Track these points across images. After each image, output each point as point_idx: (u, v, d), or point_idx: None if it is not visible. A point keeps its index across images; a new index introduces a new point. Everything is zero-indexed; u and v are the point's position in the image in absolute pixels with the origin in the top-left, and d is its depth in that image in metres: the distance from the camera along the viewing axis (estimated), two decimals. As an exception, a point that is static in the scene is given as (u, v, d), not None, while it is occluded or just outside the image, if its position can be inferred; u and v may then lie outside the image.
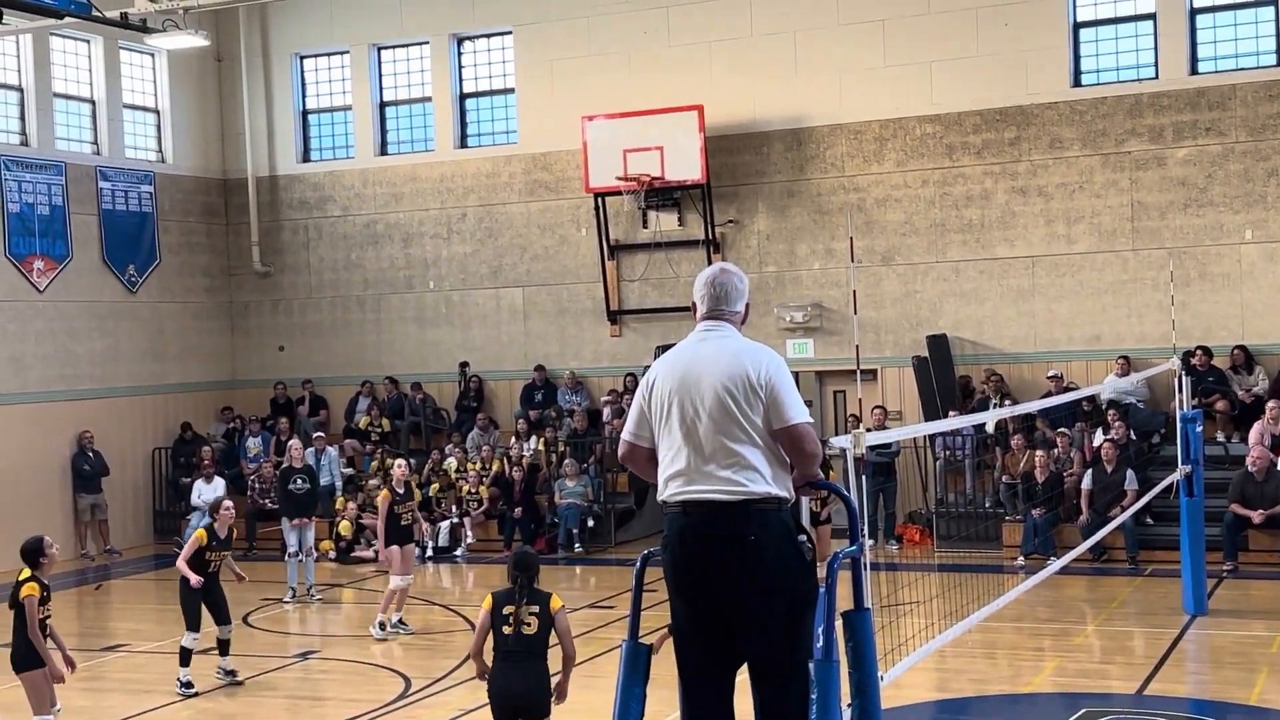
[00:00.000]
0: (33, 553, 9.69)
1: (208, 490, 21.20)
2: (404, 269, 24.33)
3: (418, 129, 24.51)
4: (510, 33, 23.49)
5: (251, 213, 24.98)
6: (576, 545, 20.39)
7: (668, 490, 5.27)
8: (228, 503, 13.08)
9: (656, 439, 5.34)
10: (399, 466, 15.44)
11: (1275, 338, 18.99)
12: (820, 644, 5.08)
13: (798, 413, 5.19)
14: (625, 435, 5.47)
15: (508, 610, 8.09)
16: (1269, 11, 19.34)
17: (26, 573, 9.60)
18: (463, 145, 24.11)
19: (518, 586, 8.17)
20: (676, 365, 5.33)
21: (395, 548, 14.62)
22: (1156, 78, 19.80)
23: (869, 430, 6.31)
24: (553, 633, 8.14)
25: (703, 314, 5.47)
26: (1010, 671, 12.37)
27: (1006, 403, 18.78)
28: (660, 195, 21.94)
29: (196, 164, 24.85)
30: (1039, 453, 18.37)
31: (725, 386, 5.17)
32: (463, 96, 24.15)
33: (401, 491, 14.96)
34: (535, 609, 8.11)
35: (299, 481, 17.59)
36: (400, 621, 14.80)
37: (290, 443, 18.95)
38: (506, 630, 8.05)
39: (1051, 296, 20.31)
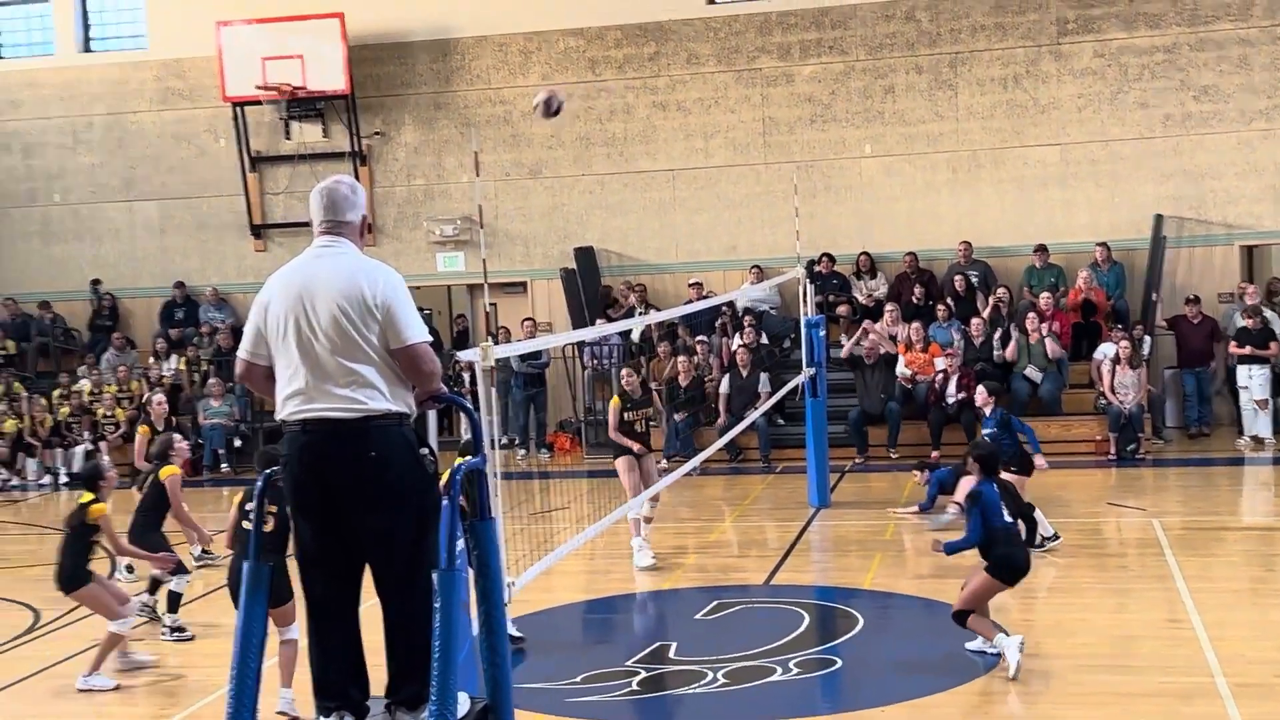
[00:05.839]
0: (92, 477, 10.02)
1: None
2: (25, 181, 22.82)
3: (35, 31, 22.89)
4: (136, -71, 22.20)
5: None
6: (224, 465, 19.89)
7: (286, 409, 5.22)
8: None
9: (273, 357, 5.28)
10: (157, 402, 14.30)
11: (893, 246, 20.33)
12: (444, 554, 5.19)
13: (415, 333, 5.21)
14: (240, 353, 5.37)
15: (249, 506, 8.39)
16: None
17: (89, 495, 9.82)
18: (87, 49, 22.68)
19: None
20: (292, 282, 5.25)
21: None
22: (772, -3, 20.65)
23: (519, 341, 6.45)
24: None
25: (318, 228, 5.41)
26: (654, 569, 12.90)
27: (651, 311, 19.40)
28: (303, 106, 21.36)
29: None
30: (681, 359, 19.09)
31: (341, 306, 5.13)
32: (85, -3, 22.71)
33: (161, 428, 13.79)
34: (274, 508, 7.87)
35: (-89, 411, 16.39)
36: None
37: (-101, 370, 17.61)
38: (245, 525, 8.51)
39: (691, 209, 21.03)
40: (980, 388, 13.19)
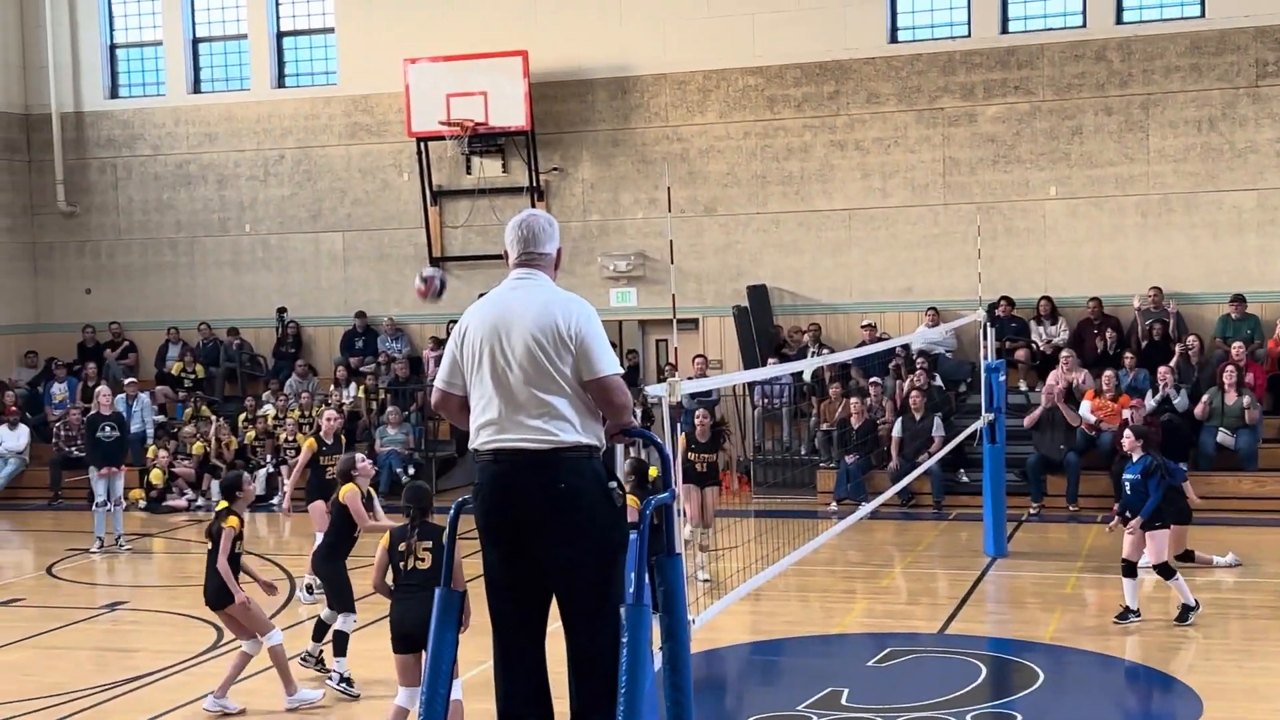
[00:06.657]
0: (230, 487, 9.98)
1: (10, 437, 20.40)
2: (219, 211, 23.68)
3: (232, 67, 23.82)
4: (330, -30, 22.95)
5: (56, 150, 24.00)
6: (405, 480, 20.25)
7: (479, 439, 5.26)
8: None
9: (468, 387, 5.33)
10: (329, 418, 13.86)
11: (1076, 291, 19.79)
12: (631, 589, 5.15)
13: (607, 365, 5.22)
14: (438, 383, 5.44)
15: (401, 546, 8.42)
16: (1077, -26, 19.99)
17: (224, 504, 9.81)
18: (280, 85, 23.50)
19: (411, 522, 8.43)
20: (488, 314, 5.31)
21: (320, 503, 12.95)
22: (969, 36, 20.33)
23: (689, 379, 6.41)
24: None
25: (514, 260, 5.46)
26: (822, 613, 12.70)
27: (824, 352, 19.21)
28: (484, 141, 21.75)
29: (-4, 97, 23.79)
30: (854, 400, 18.84)
31: (535, 337, 5.17)
32: (280, 35, 23.53)
33: (330, 443, 13.56)
34: (428, 544, 8.32)
35: (107, 429, 17.05)
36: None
37: (98, 389, 18.35)
38: (402, 565, 8.39)
39: (867, 249, 20.80)
40: (1128, 430, 12.33)
